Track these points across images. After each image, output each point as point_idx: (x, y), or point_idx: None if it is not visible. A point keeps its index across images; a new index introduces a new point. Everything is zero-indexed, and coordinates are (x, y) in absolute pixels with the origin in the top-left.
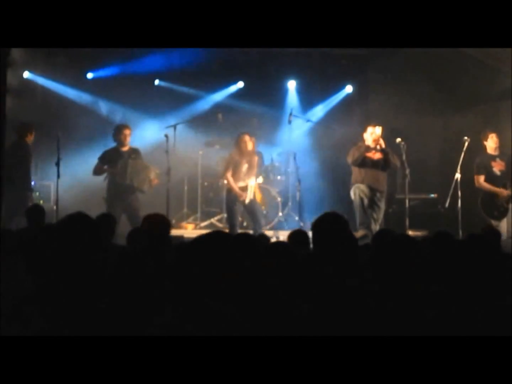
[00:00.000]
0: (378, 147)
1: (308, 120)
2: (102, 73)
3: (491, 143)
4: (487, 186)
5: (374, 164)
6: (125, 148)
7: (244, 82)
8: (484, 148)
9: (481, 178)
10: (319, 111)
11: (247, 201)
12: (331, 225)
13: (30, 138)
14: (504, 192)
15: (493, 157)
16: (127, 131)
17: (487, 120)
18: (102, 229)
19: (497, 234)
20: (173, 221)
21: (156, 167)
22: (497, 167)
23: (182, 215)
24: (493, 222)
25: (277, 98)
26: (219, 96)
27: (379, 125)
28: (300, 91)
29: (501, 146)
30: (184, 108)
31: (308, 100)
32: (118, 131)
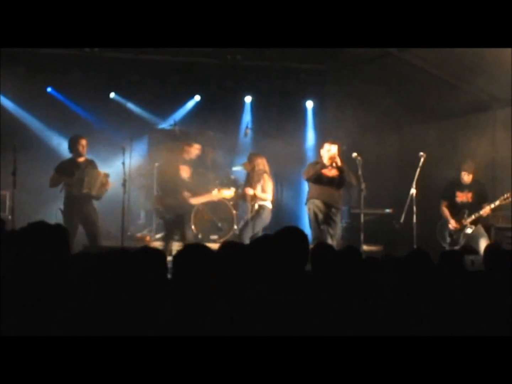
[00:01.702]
0: (334, 164)
1: (264, 134)
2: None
3: (463, 174)
4: (443, 212)
5: (329, 180)
6: (82, 159)
7: (202, 95)
8: (458, 174)
9: (443, 203)
10: (275, 125)
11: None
12: (291, 238)
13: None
14: (454, 224)
15: (461, 187)
16: (83, 142)
17: (444, 136)
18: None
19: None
20: (129, 233)
21: (106, 171)
22: (461, 198)
23: (138, 226)
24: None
25: (234, 112)
26: (176, 109)
27: (335, 143)
28: (258, 105)
29: (475, 176)
30: (140, 120)
31: (265, 114)
32: (75, 141)
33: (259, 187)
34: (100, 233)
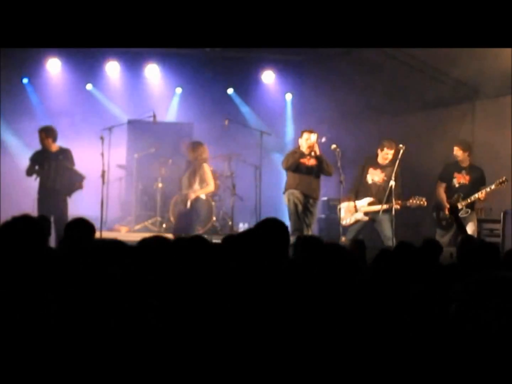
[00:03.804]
0: (312, 153)
1: (244, 125)
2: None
3: (456, 154)
4: (439, 195)
5: (308, 170)
6: (54, 149)
7: (180, 86)
8: (455, 156)
9: (441, 186)
10: (254, 116)
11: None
12: (272, 230)
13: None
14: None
15: (459, 168)
16: (42, 135)
17: (422, 127)
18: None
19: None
20: (107, 224)
21: (82, 173)
22: (458, 179)
23: (116, 217)
24: (439, 232)
25: (213, 103)
26: (155, 99)
27: (314, 131)
28: (237, 95)
29: (472, 159)
30: (118, 111)
31: (244, 104)
32: (38, 134)
33: (198, 178)
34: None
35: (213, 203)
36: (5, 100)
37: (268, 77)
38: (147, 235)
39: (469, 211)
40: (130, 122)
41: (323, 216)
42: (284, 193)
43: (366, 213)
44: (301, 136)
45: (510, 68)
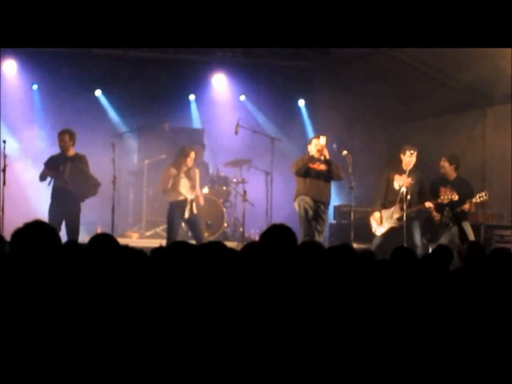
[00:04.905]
0: (322, 157)
1: (255, 131)
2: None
3: (443, 166)
4: (429, 208)
5: (317, 174)
6: (70, 153)
7: (192, 92)
8: (442, 168)
9: (429, 199)
10: (265, 122)
11: (186, 215)
12: (280, 237)
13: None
14: (436, 217)
15: (445, 182)
16: (65, 137)
17: (433, 133)
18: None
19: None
20: (118, 230)
21: (98, 179)
22: (443, 194)
23: (127, 224)
24: (430, 245)
25: (225, 109)
26: (166, 105)
27: (323, 135)
28: (248, 101)
29: (459, 172)
30: (130, 116)
31: (255, 111)
32: (58, 137)
33: (197, 182)
34: (78, 230)
35: (224, 209)
36: (15, 106)
37: (279, 83)
38: (158, 241)
39: (452, 225)
40: (141, 128)
41: (334, 222)
42: (295, 200)
43: (399, 218)
44: (310, 142)
45: None
